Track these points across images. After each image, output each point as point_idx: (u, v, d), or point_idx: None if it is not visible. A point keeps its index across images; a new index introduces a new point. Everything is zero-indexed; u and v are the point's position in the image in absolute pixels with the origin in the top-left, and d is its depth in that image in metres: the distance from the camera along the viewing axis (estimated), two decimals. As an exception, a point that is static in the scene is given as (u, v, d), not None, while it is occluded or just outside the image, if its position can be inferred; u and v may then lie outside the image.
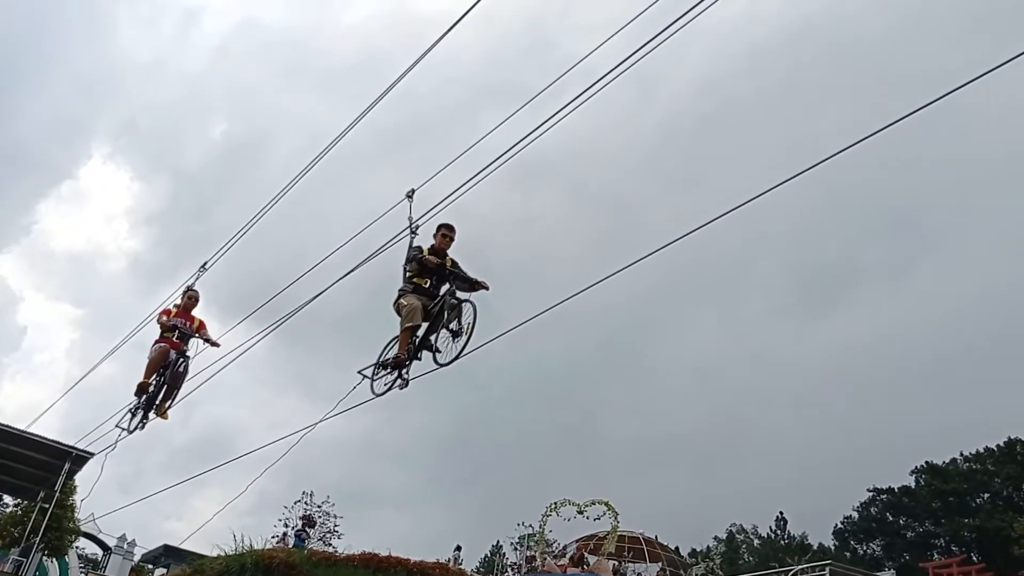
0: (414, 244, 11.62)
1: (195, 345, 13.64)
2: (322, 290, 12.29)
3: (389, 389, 11.47)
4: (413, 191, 11.89)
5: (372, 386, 11.71)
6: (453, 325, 11.04)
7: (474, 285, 11.37)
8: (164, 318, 13.64)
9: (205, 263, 14.42)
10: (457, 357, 10.88)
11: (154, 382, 13.45)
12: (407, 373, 11.37)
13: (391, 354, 11.63)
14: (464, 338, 10.85)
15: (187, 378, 13.47)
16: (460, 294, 11.29)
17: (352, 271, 12.31)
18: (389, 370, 11.56)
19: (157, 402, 13.36)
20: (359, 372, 11.81)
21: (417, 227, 11.80)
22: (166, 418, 13.35)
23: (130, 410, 13.81)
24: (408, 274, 11.55)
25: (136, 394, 13.59)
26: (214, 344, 13.64)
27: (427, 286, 11.45)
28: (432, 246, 11.56)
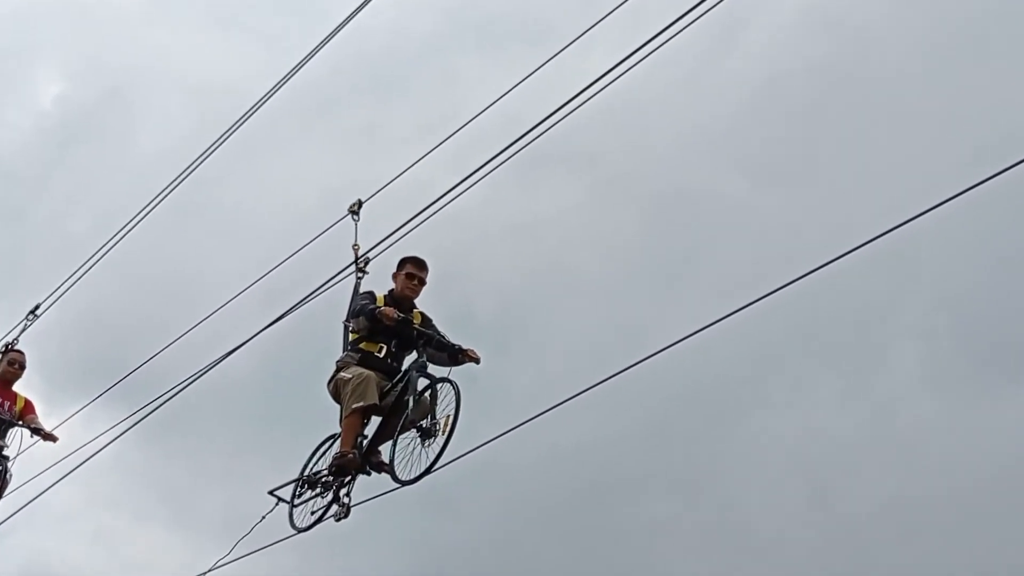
0: (361, 289, 7.51)
1: (17, 439, 9.37)
2: (214, 360, 8.15)
3: (319, 520, 7.22)
4: (360, 203, 7.85)
5: (292, 515, 7.46)
6: (422, 419, 6.87)
7: (456, 355, 7.22)
8: None
9: (36, 307, 10.45)
10: (429, 470, 6.69)
11: None
12: (348, 493, 7.14)
13: (324, 462, 7.42)
14: (440, 438, 6.69)
15: (6, 491, 9.20)
16: (433, 369, 7.15)
17: (258, 333, 8.23)
18: (320, 489, 7.33)
19: None
20: (271, 493, 7.58)
21: (367, 261, 7.72)
22: None
23: None
24: (353, 336, 7.40)
25: None
26: (48, 437, 9.53)
27: (381, 355, 7.26)
28: (391, 292, 7.43)
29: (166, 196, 9.54)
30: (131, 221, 9.78)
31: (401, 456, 6.92)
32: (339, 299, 7.85)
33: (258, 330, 8.40)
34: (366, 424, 7.21)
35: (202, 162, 8.98)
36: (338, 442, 7.25)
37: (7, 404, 9.51)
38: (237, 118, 8.74)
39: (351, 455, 7.00)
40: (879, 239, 4.75)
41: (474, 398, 6.89)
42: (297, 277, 8.68)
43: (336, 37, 7.91)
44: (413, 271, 7.36)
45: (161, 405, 9.32)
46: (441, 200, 7.25)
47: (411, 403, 6.85)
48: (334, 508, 7.10)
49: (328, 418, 7.56)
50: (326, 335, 7.73)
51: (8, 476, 9.01)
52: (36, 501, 9.75)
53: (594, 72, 6.01)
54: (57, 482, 9.53)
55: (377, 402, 7.02)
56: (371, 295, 7.30)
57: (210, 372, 8.85)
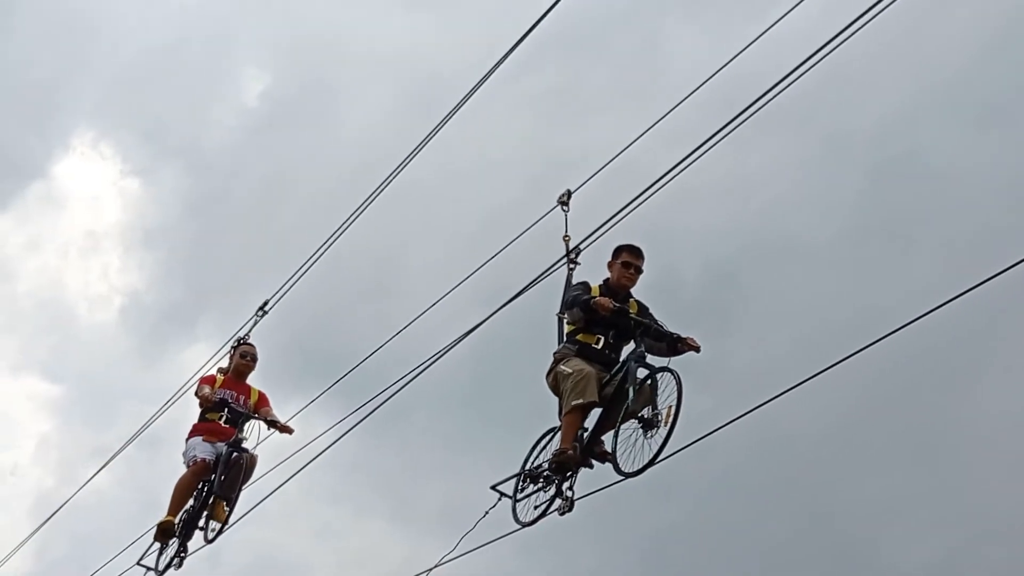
0: (574, 281, 7.39)
1: (255, 432, 9.26)
2: (436, 353, 8.20)
3: (543, 514, 7.14)
4: (569, 194, 7.72)
5: (515, 509, 7.41)
6: (644, 410, 6.68)
7: (675, 344, 6.99)
8: (206, 389, 9.24)
9: (265, 303, 10.19)
10: (653, 461, 6.48)
11: (181, 518, 9.33)
12: (571, 487, 7.02)
13: (545, 455, 7.34)
14: (663, 429, 6.47)
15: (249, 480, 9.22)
16: (652, 359, 6.95)
17: (477, 327, 8.21)
18: (542, 483, 7.25)
19: (203, 518, 9.22)
20: (494, 488, 7.55)
21: (579, 252, 7.59)
22: (222, 521, 9.08)
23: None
24: (569, 328, 7.30)
25: (157, 539, 9.41)
26: (284, 430, 9.42)
27: (599, 346, 7.12)
28: (606, 281, 7.28)
29: (383, 189, 9.36)
30: (351, 217, 9.65)
31: (623, 448, 6.75)
32: (551, 291, 7.77)
33: (475, 324, 8.35)
34: (583, 429, 7.08)
35: (417, 153, 8.88)
36: (558, 437, 7.17)
37: (242, 397, 9.48)
38: (440, 99, 8.62)
39: (571, 452, 6.89)
40: None
41: (694, 382, 6.66)
42: (506, 269, 8.65)
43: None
44: (629, 259, 7.17)
45: (385, 402, 9.35)
46: (660, 181, 7.07)
47: (631, 394, 6.67)
48: (557, 502, 7.00)
49: (544, 412, 7.50)
50: (541, 326, 7.65)
51: (249, 463, 9.02)
52: (261, 494, 9.91)
53: (816, 34, 5.64)
54: (291, 478, 9.64)
55: (596, 399, 6.87)
56: (585, 285, 7.17)
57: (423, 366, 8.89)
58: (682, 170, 7.07)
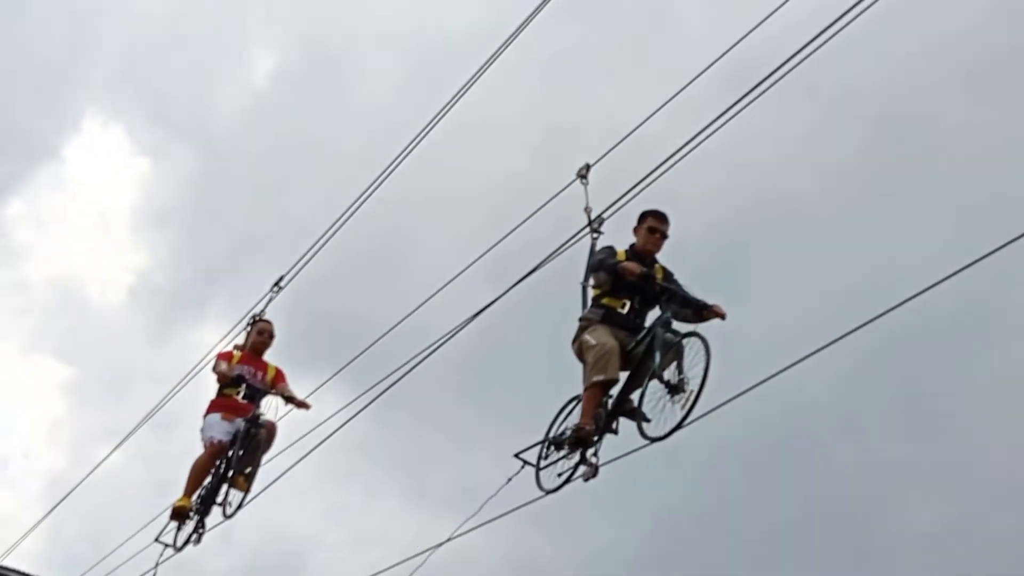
0: (599, 246, 7.33)
1: (272, 407, 9.18)
2: (452, 330, 8.11)
3: (568, 480, 7.11)
4: (588, 167, 7.66)
5: (539, 477, 7.38)
6: (669, 374, 6.63)
7: (701, 311, 6.94)
8: (223, 365, 9.20)
9: (280, 279, 10.09)
10: (680, 425, 6.45)
11: (200, 495, 9.22)
12: (596, 454, 6.99)
13: (571, 422, 7.31)
14: (690, 396, 6.43)
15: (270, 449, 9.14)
16: (678, 325, 6.90)
17: (490, 305, 8.13)
18: (566, 450, 7.22)
19: (223, 492, 9.09)
20: (517, 456, 7.51)
21: (601, 221, 7.52)
22: (243, 489, 9.03)
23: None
24: (594, 292, 7.24)
25: (174, 517, 9.27)
26: (302, 405, 9.34)
27: (625, 311, 7.07)
28: (631, 247, 7.22)
29: (396, 167, 9.30)
30: (362, 196, 9.60)
31: (649, 413, 6.72)
32: (567, 265, 7.68)
33: (488, 302, 8.26)
34: (609, 397, 7.03)
35: (431, 128, 8.80)
36: (579, 408, 7.15)
37: (259, 373, 9.39)
38: (448, 69, 8.53)
39: (589, 428, 6.85)
40: None
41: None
42: (522, 243, 8.55)
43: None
44: (655, 224, 7.10)
45: (396, 382, 9.28)
46: (683, 150, 6.98)
47: (658, 358, 6.62)
48: (582, 468, 6.97)
49: (560, 386, 7.45)
50: (552, 304, 7.55)
51: (268, 436, 8.97)
52: (273, 474, 9.86)
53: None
54: (305, 456, 9.52)
55: (617, 377, 6.83)
56: (611, 249, 7.10)
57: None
58: (704, 139, 6.99)
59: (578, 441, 6.97)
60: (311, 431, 9.94)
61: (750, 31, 6.91)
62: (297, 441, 9.81)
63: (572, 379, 7.33)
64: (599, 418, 6.95)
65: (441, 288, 9.28)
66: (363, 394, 9.63)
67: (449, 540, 8.00)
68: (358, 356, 10.03)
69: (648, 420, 6.61)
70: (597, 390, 6.88)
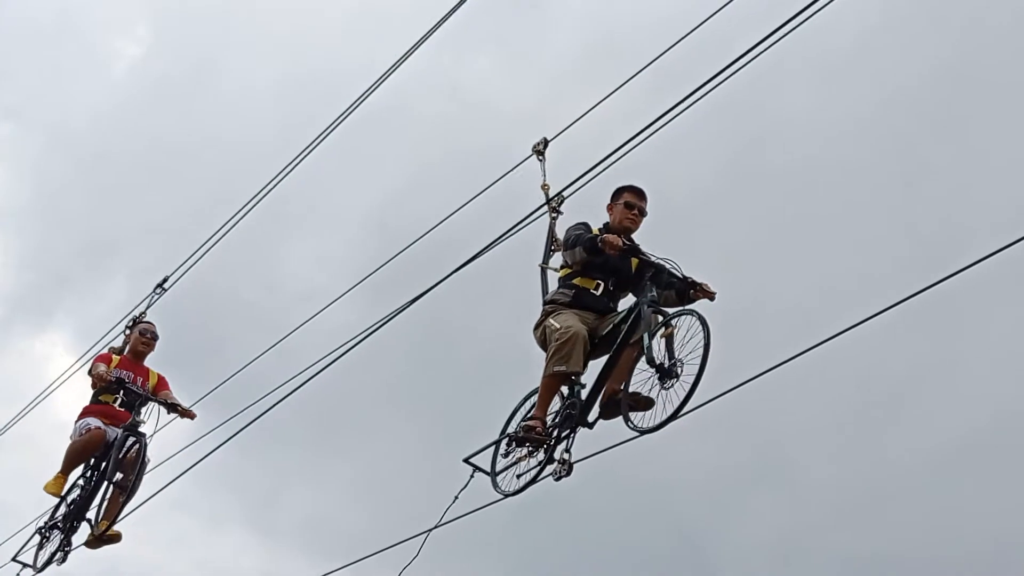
0: (559, 227, 6.68)
1: (153, 416, 8.28)
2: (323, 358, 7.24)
3: (533, 481, 6.22)
4: (545, 142, 7.08)
5: (495, 481, 6.46)
6: (656, 353, 5.93)
7: (687, 290, 6.31)
8: (102, 367, 8.27)
9: (165, 279, 9.55)
10: (676, 415, 5.74)
11: (78, 487, 8.21)
12: (568, 448, 6.15)
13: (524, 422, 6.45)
14: (687, 380, 5.76)
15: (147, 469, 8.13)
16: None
17: (413, 302, 7.39)
18: (529, 448, 6.34)
19: (91, 515, 7.97)
20: (467, 461, 6.57)
21: (561, 200, 6.87)
22: (116, 539, 8.03)
23: (41, 532, 8.38)
24: (564, 271, 6.50)
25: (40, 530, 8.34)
26: (186, 414, 8.49)
27: (598, 292, 6.36)
28: (606, 225, 6.54)
29: (297, 165, 8.71)
30: (257, 195, 9.03)
31: (633, 400, 5.98)
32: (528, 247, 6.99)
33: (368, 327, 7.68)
34: (579, 386, 6.29)
35: (321, 141, 8.30)
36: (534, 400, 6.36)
37: (139, 379, 8.57)
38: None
39: (538, 429, 6.09)
40: None
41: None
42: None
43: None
44: (632, 200, 6.46)
45: (264, 413, 8.40)
46: (653, 126, 6.50)
47: (646, 340, 5.91)
48: (553, 466, 6.11)
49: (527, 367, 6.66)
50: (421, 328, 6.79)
51: (146, 457, 7.93)
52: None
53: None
54: (173, 481, 8.50)
55: (580, 371, 6.15)
56: (586, 225, 6.41)
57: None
58: (677, 115, 6.55)
59: (522, 440, 6.22)
60: (170, 458, 8.92)
61: (720, 7, 6.60)
62: (157, 466, 8.71)
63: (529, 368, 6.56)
64: (550, 423, 6.20)
65: (316, 314, 8.88)
66: (224, 424, 8.82)
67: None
68: (223, 384, 9.23)
69: (647, 405, 5.84)
70: (555, 382, 6.17)
